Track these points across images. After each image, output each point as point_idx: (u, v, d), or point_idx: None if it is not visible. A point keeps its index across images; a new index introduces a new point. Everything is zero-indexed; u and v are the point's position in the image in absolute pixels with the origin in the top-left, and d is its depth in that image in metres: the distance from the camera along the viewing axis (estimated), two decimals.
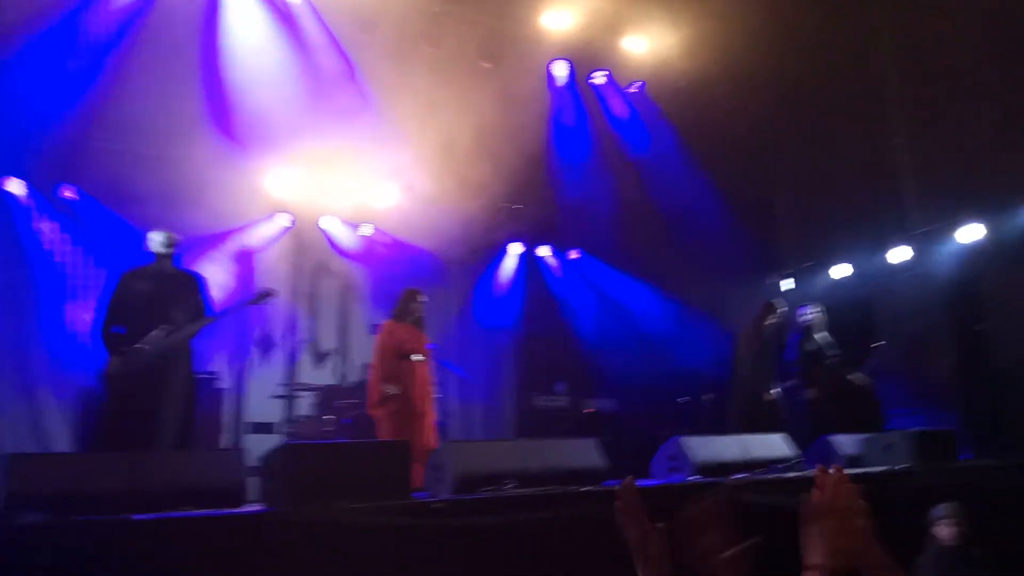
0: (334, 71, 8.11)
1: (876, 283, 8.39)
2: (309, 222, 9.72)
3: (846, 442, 5.24)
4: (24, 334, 7.96)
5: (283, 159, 8.90)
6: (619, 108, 9.90)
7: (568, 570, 3.33)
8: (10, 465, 3.11)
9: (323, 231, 9.90)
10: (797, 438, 5.83)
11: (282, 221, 9.53)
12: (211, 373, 7.83)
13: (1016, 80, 7.13)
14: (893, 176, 8.36)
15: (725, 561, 1.35)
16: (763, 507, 4.05)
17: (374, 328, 10.21)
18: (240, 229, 9.24)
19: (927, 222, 8.11)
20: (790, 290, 9.49)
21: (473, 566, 3.20)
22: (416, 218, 9.71)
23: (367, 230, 10.10)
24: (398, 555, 3.06)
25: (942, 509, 4.00)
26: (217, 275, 8.40)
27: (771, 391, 6.63)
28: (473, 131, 8.29)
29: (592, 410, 10.07)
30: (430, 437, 5.81)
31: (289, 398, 8.70)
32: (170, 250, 4.95)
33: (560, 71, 9.21)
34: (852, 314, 8.08)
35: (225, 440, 8.14)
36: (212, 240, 8.85)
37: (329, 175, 9.44)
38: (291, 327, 9.67)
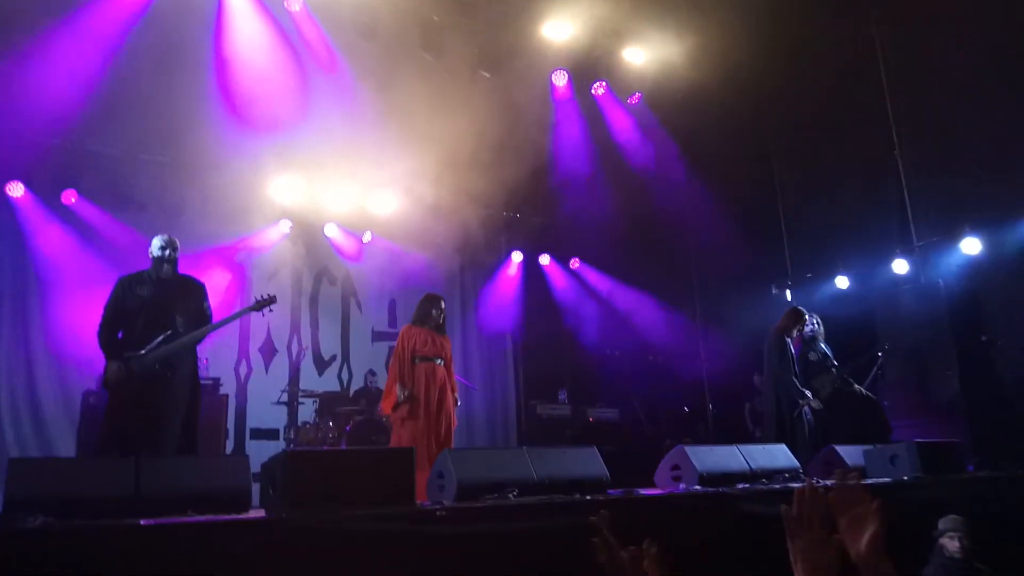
0: (335, 79, 8.13)
1: (878, 295, 8.39)
2: (311, 229, 9.74)
3: (851, 452, 5.22)
4: (28, 339, 7.96)
5: (285, 166, 8.92)
6: (619, 118, 9.92)
7: None
8: (11, 470, 3.10)
9: (325, 238, 9.92)
10: (801, 448, 5.82)
11: (283, 227, 9.55)
12: (213, 379, 7.82)
13: (1018, 93, 7.15)
14: (895, 188, 8.38)
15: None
16: (763, 518, 4.04)
17: (375, 335, 10.30)
18: (242, 235, 9.26)
19: (929, 234, 8.13)
20: (790, 302, 9.49)
21: (475, 574, 3.18)
22: (417, 225, 9.73)
23: (368, 237, 10.13)
24: (401, 563, 3.04)
25: (947, 521, 3.98)
26: (218, 281, 8.41)
27: (813, 400, 6.56)
28: (473, 140, 8.31)
29: (592, 419, 10.06)
30: (446, 441, 5.87)
31: (291, 405, 8.70)
32: (171, 255, 4.94)
33: (560, 81, 9.24)
34: (854, 326, 8.08)
35: (228, 446, 8.12)
36: (214, 246, 8.86)
37: (330, 182, 9.46)
38: (293, 334, 9.68)
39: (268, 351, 9.41)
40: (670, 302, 10.57)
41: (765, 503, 4.11)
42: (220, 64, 7.54)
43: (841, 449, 5.21)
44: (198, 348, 5.09)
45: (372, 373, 9.15)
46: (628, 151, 10.04)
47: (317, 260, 9.95)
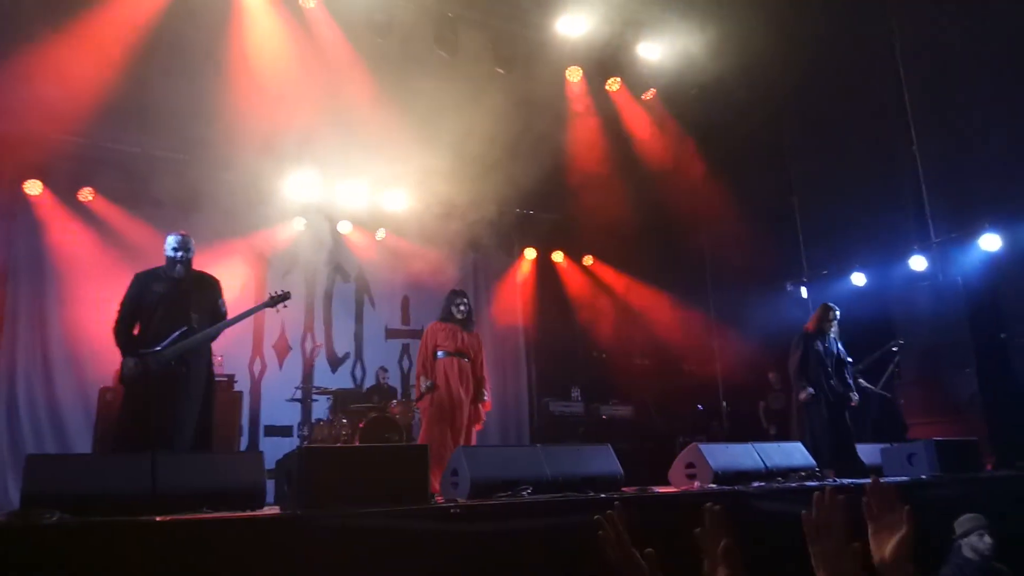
0: (349, 76, 8.13)
1: (895, 292, 8.31)
2: (325, 226, 9.76)
3: (868, 450, 5.18)
4: (45, 336, 8.03)
5: (299, 164, 8.94)
6: (634, 114, 9.86)
7: None
8: (29, 466, 3.12)
9: (339, 235, 9.94)
10: (817, 445, 5.77)
11: (298, 225, 9.58)
12: (228, 376, 7.86)
13: None
14: (912, 184, 8.29)
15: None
16: (779, 516, 4.01)
17: (388, 332, 10.33)
18: (256, 232, 9.29)
19: (947, 230, 8.03)
20: (805, 299, 9.41)
21: (490, 572, 3.18)
22: (430, 223, 9.73)
23: (382, 235, 10.14)
24: (415, 559, 3.04)
25: (966, 520, 3.93)
26: (233, 278, 8.44)
27: (852, 396, 6.49)
28: (487, 137, 8.28)
29: (605, 416, 10.03)
30: (468, 435, 6.03)
31: (304, 402, 8.73)
32: (184, 256, 4.95)
33: (575, 77, 9.19)
34: (871, 324, 8.00)
35: (242, 443, 8.17)
36: (228, 243, 8.90)
37: (344, 180, 9.48)
38: (306, 331, 9.71)
39: (282, 348, 9.45)
40: (684, 299, 10.52)
41: (782, 501, 4.08)
42: (235, 62, 7.56)
43: (858, 447, 5.17)
44: (212, 345, 5.11)
45: (384, 370, 9.17)
46: (642, 147, 9.98)
47: (331, 257, 9.97)
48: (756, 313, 9.32)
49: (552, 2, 8.20)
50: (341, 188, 9.53)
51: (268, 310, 5.28)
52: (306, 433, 8.28)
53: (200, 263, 5.20)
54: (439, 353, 6.23)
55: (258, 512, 3.26)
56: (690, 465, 4.68)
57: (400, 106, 8.25)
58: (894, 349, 7.86)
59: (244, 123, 7.63)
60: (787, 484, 4.51)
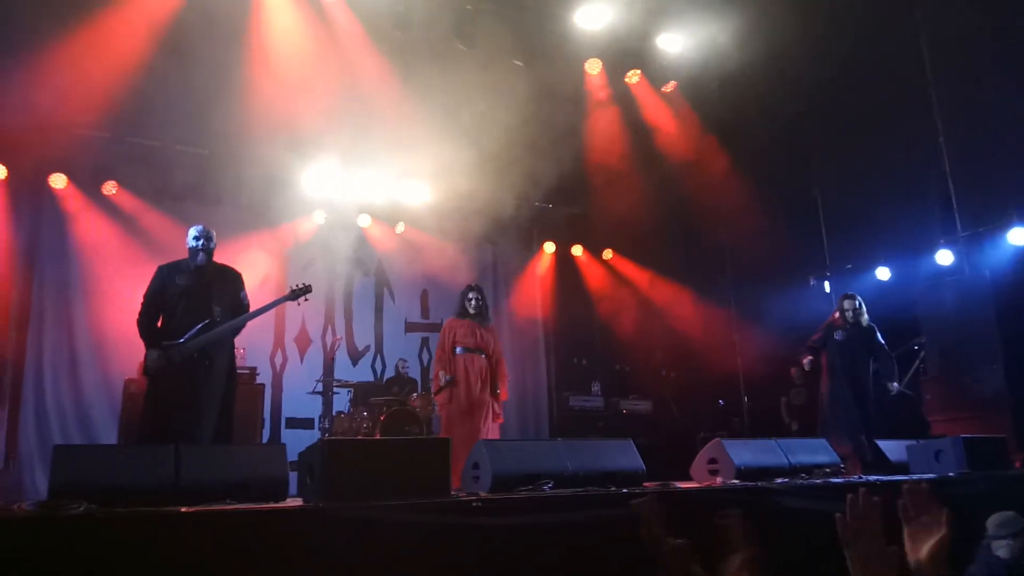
0: (368, 69, 8.13)
1: (920, 287, 8.19)
2: (344, 219, 9.79)
3: (893, 447, 5.11)
4: (71, 328, 8.13)
5: (319, 157, 8.97)
6: (654, 107, 9.78)
7: (605, 572, 3.28)
8: (56, 457, 3.16)
9: (358, 228, 9.97)
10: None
11: (318, 218, 9.61)
12: (250, 369, 7.91)
13: None
14: (938, 177, 8.15)
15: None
16: (803, 513, 3.97)
17: (408, 326, 10.36)
18: (277, 226, 9.35)
19: (974, 224, 7.90)
20: (828, 294, 9.31)
21: (510, 566, 3.17)
22: (449, 216, 9.73)
23: (401, 228, 10.16)
24: (437, 552, 3.04)
25: (997, 519, 3.86)
26: (254, 271, 8.49)
27: (891, 386, 6.50)
28: (506, 130, 8.26)
29: (625, 411, 9.99)
30: (489, 429, 6.08)
31: (325, 394, 8.77)
32: (206, 245, 4.98)
33: (594, 70, 9.13)
34: (895, 319, 7.89)
35: (264, 435, 8.23)
36: (249, 237, 8.96)
37: (364, 173, 9.50)
38: (327, 324, 9.76)
39: (303, 341, 9.50)
40: (705, 293, 10.44)
41: (806, 498, 4.04)
42: (255, 56, 7.59)
43: (883, 444, 5.10)
44: (235, 338, 5.14)
45: (404, 360, 9.21)
46: (662, 141, 9.90)
47: (351, 251, 10.00)
48: (778, 308, 9.23)
49: None
50: (361, 182, 9.55)
51: (289, 303, 5.30)
52: (327, 426, 8.33)
53: (221, 256, 5.23)
54: (458, 349, 6.31)
55: (281, 504, 3.27)
56: (712, 461, 4.64)
57: (419, 99, 8.25)
58: (916, 348, 7.76)
59: (264, 117, 7.66)
60: (811, 480, 4.46)
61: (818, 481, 4.43)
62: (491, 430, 6.19)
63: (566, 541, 3.34)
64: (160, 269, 5.00)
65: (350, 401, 8.54)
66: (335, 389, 8.82)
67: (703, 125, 9.73)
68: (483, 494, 3.60)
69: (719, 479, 4.49)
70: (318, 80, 7.90)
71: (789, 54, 8.25)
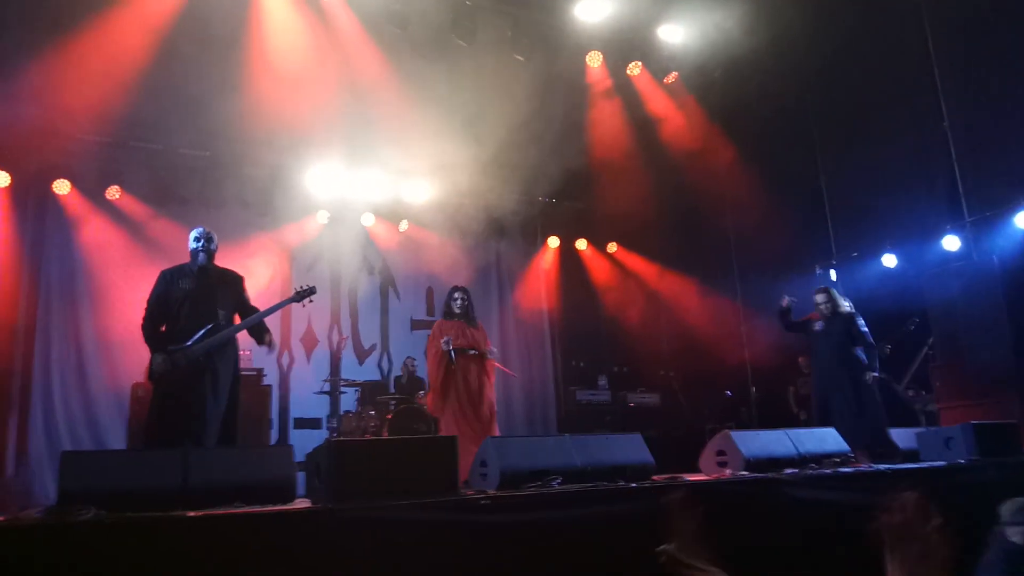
0: (368, 67, 8.12)
1: (928, 273, 8.12)
2: (348, 219, 9.79)
3: (904, 435, 5.08)
4: (78, 333, 8.15)
5: (321, 158, 8.96)
6: (656, 99, 9.73)
7: (615, 567, 3.27)
8: (64, 462, 3.16)
9: (362, 228, 9.96)
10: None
11: (321, 219, 9.61)
12: (257, 370, 7.92)
13: None
14: (944, 161, 8.08)
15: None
16: (812, 503, 3.95)
17: (414, 323, 10.36)
18: (281, 227, 9.35)
19: (981, 209, 7.83)
20: (835, 282, 9.25)
21: (519, 562, 3.16)
22: (452, 213, 9.72)
23: (404, 226, 10.15)
24: (445, 550, 3.04)
25: (1011, 505, 3.83)
26: (259, 273, 8.51)
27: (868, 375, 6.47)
28: (508, 125, 8.24)
29: (632, 404, 9.97)
30: (489, 427, 6.05)
31: (333, 394, 8.78)
32: (206, 246, 4.99)
33: (595, 62, 9.08)
34: (902, 306, 7.85)
35: (272, 436, 8.25)
36: (253, 238, 8.97)
37: (366, 172, 9.49)
38: (332, 324, 9.76)
39: (310, 342, 9.51)
40: (711, 284, 10.39)
41: (815, 488, 4.02)
42: (255, 58, 7.59)
43: (893, 432, 5.07)
44: (240, 340, 5.14)
45: (412, 359, 9.20)
46: (664, 132, 9.86)
47: (355, 250, 10.01)
48: (785, 297, 9.17)
49: None
50: (363, 180, 9.55)
51: (294, 304, 5.31)
52: (335, 425, 8.34)
53: (225, 259, 5.24)
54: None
55: (289, 506, 3.27)
56: (721, 452, 4.62)
57: (420, 96, 8.24)
58: (911, 328, 7.73)
59: (265, 118, 7.66)
60: (821, 470, 4.43)
61: (828, 471, 4.41)
62: (491, 425, 6.15)
63: (576, 536, 3.33)
64: (163, 274, 5.00)
65: (357, 400, 8.54)
66: (342, 388, 8.83)
67: (706, 115, 9.68)
68: (491, 492, 3.59)
69: (728, 471, 4.48)
70: (318, 80, 7.89)
71: (792, 41, 8.19)
